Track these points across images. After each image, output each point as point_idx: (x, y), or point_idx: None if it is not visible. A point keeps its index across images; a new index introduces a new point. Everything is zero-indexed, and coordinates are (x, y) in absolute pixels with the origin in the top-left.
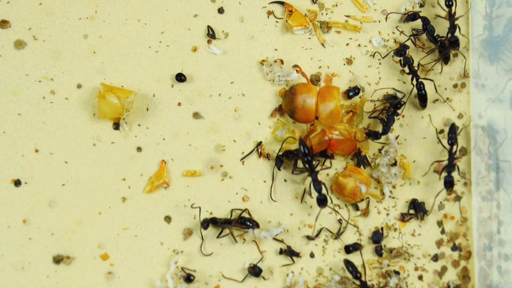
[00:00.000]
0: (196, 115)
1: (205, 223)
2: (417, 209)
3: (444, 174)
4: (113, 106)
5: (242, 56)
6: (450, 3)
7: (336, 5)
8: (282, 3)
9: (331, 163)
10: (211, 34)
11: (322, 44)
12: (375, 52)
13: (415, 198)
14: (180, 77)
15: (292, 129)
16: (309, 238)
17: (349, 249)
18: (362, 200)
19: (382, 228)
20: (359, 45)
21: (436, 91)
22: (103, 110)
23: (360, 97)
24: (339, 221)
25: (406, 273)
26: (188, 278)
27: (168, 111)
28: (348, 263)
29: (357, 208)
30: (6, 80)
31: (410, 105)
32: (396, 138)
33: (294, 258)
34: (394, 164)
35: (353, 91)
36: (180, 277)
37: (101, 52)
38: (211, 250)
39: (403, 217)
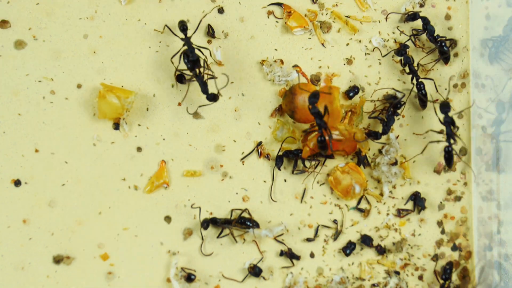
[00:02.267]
0: (196, 115)
1: (205, 223)
2: (416, 202)
3: None
4: (113, 106)
5: (242, 56)
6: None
7: (336, 5)
8: (280, 5)
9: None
10: (211, 34)
11: (322, 44)
12: (374, 48)
13: (418, 191)
14: (180, 79)
15: (292, 129)
16: (309, 240)
17: (346, 251)
18: (359, 202)
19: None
20: (359, 44)
21: (437, 91)
22: (103, 110)
23: (360, 97)
24: (334, 221)
25: (406, 273)
26: (189, 278)
27: (168, 111)
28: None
29: (361, 210)
30: (6, 80)
31: (410, 105)
32: (396, 138)
33: (294, 260)
34: (395, 163)
35: (353, 91)
36: (180, 277)
37: (101, 52)
38: (211, 250)
39: (399, 213)
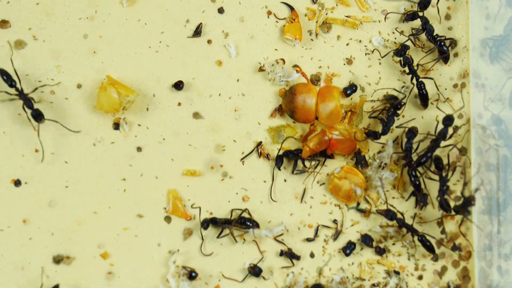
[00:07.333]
0: (196, 115)
1: (205, 223)
2: (417, 197)
3: None
4: (111, 100)
5: (242, 56)
6: None
7: (337, 5)
8: (291, 8)
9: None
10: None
11: (322, 43)
12: (374, 49)
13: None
14: (178, 86)
15: (292, 126)
16: (309, 240)
17: (346, 251)
18: (359, 203)
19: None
20: (359, 43)
21: (437, 90)
22: (101, 101)
23: (359, 97)
24: (334, 221)
25: (406, 273)
26: (191, 275)
27: (168, 111)
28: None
29: (361, 211)
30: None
31: (410, 105)
32: (396, 139)
33: (294, 260)
34: (385, 167)
35: (350, 89)
36: (182, 275)
37: (101, 52)
38: (211, 250)
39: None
